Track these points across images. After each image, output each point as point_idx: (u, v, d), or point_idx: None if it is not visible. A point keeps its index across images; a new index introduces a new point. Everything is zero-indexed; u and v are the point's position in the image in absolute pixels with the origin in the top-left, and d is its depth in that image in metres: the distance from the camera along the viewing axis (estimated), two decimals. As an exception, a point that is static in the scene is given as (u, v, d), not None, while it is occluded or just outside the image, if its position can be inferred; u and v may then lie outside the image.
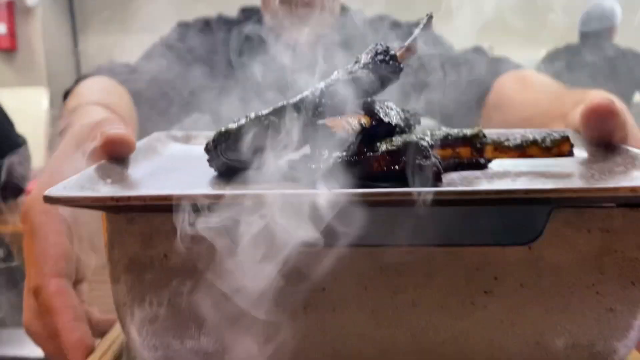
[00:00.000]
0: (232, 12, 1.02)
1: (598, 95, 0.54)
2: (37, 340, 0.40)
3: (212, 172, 0.39)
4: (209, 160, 0.38)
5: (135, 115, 0.73)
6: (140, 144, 0.45)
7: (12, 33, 2.91)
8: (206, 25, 0.96)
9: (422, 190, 0.30)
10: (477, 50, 0.88)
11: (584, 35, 2.47)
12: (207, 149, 0.38)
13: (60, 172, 0.36)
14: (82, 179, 0.34)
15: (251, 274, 0.30)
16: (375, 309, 0.33)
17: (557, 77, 2.42)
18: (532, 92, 0.71)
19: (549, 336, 0.33)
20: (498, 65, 0.80)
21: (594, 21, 2.41)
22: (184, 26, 0.97)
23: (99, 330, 0.46)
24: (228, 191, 0.31)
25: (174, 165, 0.42)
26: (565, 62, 2.45)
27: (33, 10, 2.94)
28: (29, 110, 1.65)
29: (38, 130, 1.84)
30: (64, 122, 0.56)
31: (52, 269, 0.39)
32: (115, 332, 0.44)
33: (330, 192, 0.30)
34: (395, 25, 0.95)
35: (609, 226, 0.32)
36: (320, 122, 0.34)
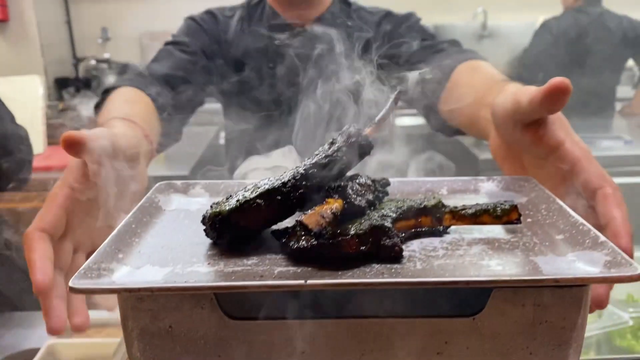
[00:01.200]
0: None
1: (514, 87, 0.60)
2: None
3: (208, 239, 0.45)
4: (205, 231, 0.44)
5: (156, 121, 0.82)
6: (144, 200, 0.51)
7: (3, 3, 2.88)
8: (212, 17, 1.03)
9: (384, 281, 0.36)
10: (453, 42, 0.96)
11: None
12: (203, 222, 0.44)
13: None
14: (98, 257, 0.40)
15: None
16: (347, 367, 0.40)
17: (555, 44, 2.42)
18: (476, 80, 0.78)
19: (490, 385, 0.40)
20: (465, 56, 0.87)
21: None
22: (191, 20, 1.04)
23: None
24: (217, 283, 0.37)
25: (176, 227, 0.48)
26: (562, 29, 2.46)
27: (23, -21, 2.90)
28: (25, 98, 1.66)
29: (35, 116, 1.88)
30: None
31: (40, 224, 0.50)
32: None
33: (305, 284, 0.36)
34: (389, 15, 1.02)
35: (539, 302, 0.38)
36: (297, 218, 0.40)
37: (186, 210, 0.51)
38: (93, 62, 3.09)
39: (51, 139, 2.08)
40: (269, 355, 0.40)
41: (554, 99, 0.48)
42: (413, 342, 0.40)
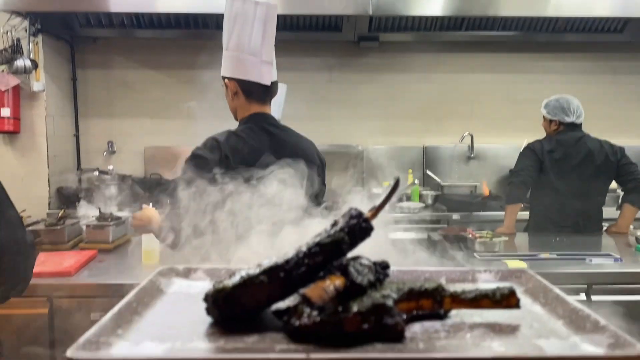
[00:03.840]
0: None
1: None
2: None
3: (208, 318, 0.45)
4: (206, 309, 0.44)
5: None
6: (146, 282, 0.51)
7: (16, 116, 3.02)
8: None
9: (389, 357, 0.36)
10: None
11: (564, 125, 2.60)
12: (205, 300, 0.44)
13: None
14: (98, 331, 0.40)
15: None
16: None
17: (540, 163, 2.46)
18: None
19: None
20: None
21: (555, 110, 2.56)
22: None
23: None
24: (219, 355, 0.37)
25: (176, 308, 0.48)
26: (546, 150, 2.56)
27: (38, 94, 3.06)
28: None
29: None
30: None
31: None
32: None
33: (308, 357, 0.35)
34: None
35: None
36: (301, 291, 0.40)
37: (187, 293, 0.52)
38: (96, 173, 3.16)
39: (48, 246, 2.09)
40: None
41: None
42: None
